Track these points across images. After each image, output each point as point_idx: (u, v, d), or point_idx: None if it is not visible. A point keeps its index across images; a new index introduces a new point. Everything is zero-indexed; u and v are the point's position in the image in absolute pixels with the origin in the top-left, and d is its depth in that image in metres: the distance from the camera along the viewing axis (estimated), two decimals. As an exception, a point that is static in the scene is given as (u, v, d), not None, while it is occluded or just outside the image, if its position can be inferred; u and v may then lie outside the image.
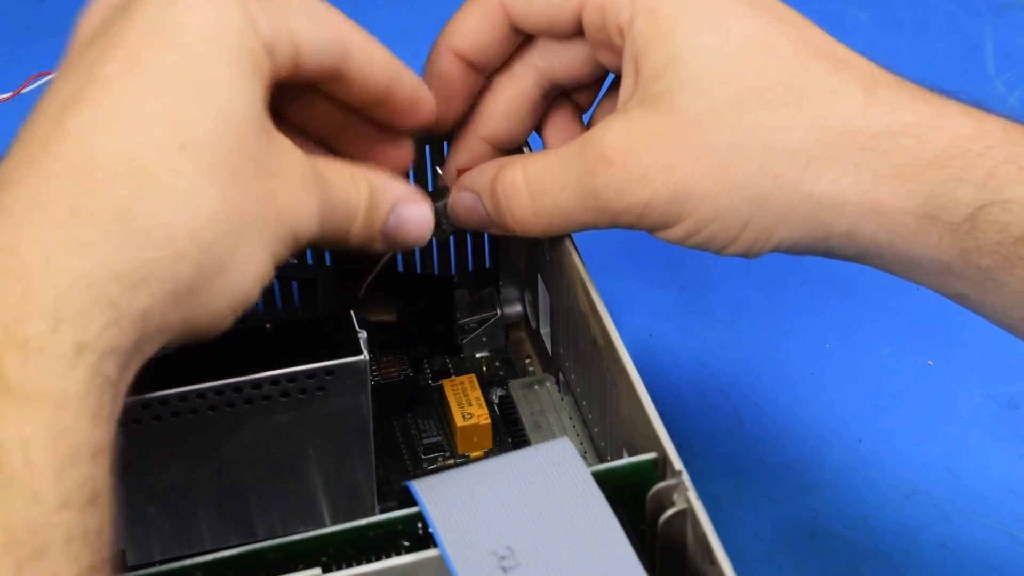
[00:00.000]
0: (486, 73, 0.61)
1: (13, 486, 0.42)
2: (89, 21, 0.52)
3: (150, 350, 0.48)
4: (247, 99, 0.50)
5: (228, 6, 0.50)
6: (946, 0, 0.89)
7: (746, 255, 0.57)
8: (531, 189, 0.58)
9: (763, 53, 0.55)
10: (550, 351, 0.67)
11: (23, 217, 0.45)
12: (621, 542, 0.50)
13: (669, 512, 0.51)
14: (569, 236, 0.61)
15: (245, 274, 0.50)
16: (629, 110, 0.56)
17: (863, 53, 0.88)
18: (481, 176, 0.60)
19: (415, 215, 0.58)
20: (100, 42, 0.49)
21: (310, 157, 0.53)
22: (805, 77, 0.55)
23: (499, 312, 0.68)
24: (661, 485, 0.52)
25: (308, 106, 0.57)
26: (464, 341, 0.68)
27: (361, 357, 0.56)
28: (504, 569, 0.49)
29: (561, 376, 0.66)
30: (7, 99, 0.64)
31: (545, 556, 0.49)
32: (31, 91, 0.64)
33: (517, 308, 0.70)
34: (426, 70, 0.61)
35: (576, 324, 0.62)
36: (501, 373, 0.68)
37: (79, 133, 0.47)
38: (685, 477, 0.52)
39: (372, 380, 0.57)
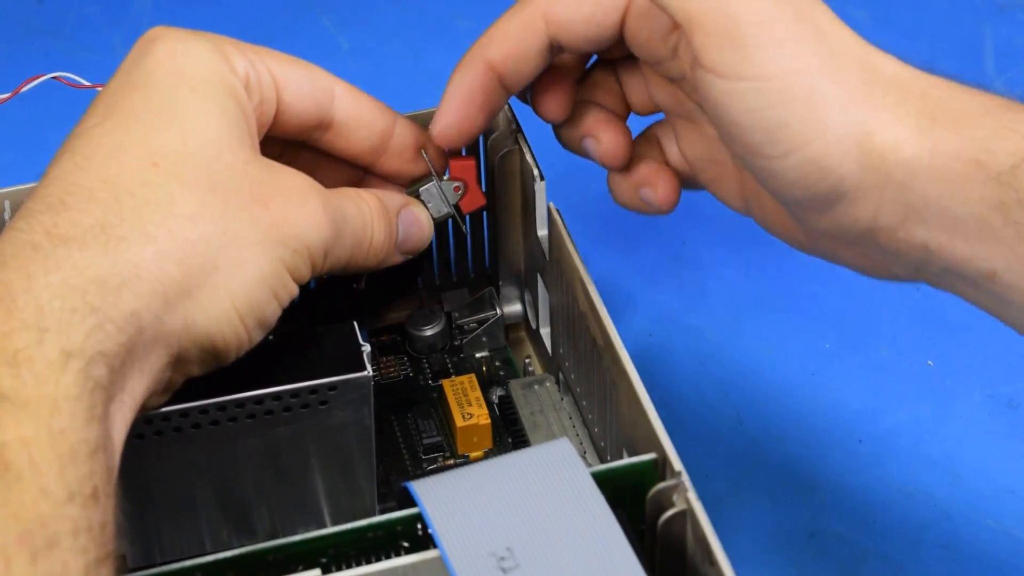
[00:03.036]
0: (512, 92, 0.61)
1: (22, 482, 0.44)
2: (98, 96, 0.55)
3: (155, 358, 0.50)
4: (220, 121, 0.53)
5: (197, 45, 0.55)
6: (946, 0, 0.89)
7: (796, 182, 0.53)
8: None
9: (832, 17, 0.54)
10: (550, 351, 0.67)
11: (6, 253, 0.49)
12: (621, 543, 0.50)
13: (669, 513, 0.51)
14: (569, 236, 0.61)
15: (243, 274, 0.51)
16: None
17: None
18: None
19: (417, 216, 0.60)
20: (91, 105, 0.54)
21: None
22: (869, 51, 0.54)
23: (499, 312, 0.68)
24: (661, 486, 0.52)
25: (309, 164, 0.59)
26: (464, 341, 0.68)
27: (365, 373, 0.56)
28: (504, 570, 0.49)
29: (561, 376, 0.66)
30: (7, 99, 0.64)
31: (545, 557, 0.49)
32: (29, 90, 0.64)
33: (517, 308, 0.70)
34: (452, 78, 0.60)
35: (576, 324, 0.62)
36: (501, 373, 0.68)
37: (58, 176, 0.51)
38: (685, 478, 0.52)
39: (372, 381, 0.57)
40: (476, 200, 0.63)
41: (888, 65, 0.54)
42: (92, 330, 0.47)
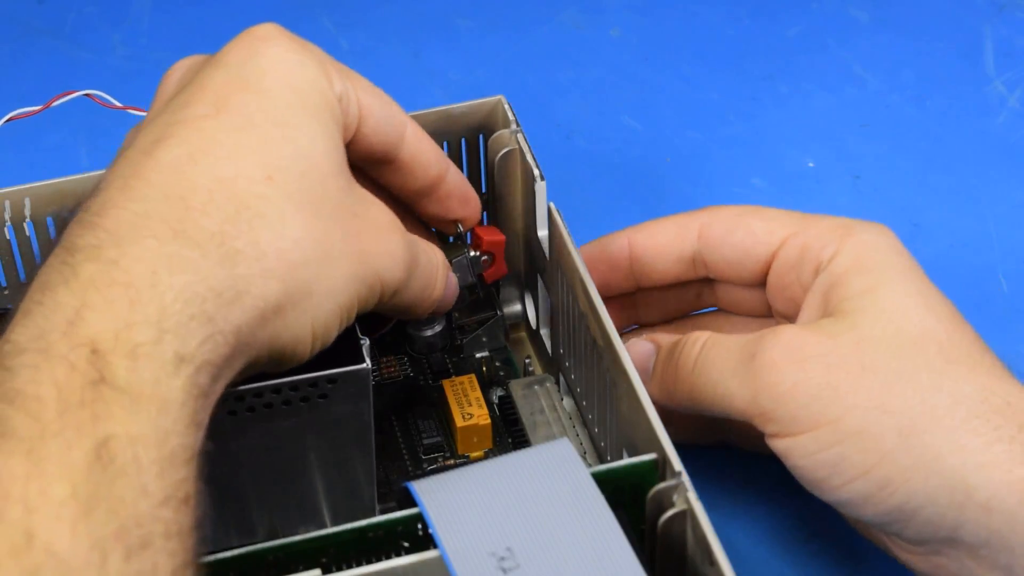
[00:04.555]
0: (641, 284, 0.65)
1: (125, 478, 0.44)
2: (171, 80, 0.56)
3: (239, 367, 0.50)
4: (325, 143, 0.53)
5: (307, 59, 0.54)
6: (946, 0, 0.89)
7: (865, 503, 0.55)
8: (708, 343, 0.59)
9: (953, 323, 0.57)
10: (550, 351, 0.67)
11: (125, 236, 0.48)
12: (621, 543, 0.50)
13: (669, 513, 0.51)
14: (569, 236, 0.61)
15: (328, 301, 0.53)
16: (811, 320, 0.58)
17: (863, 53, 0.88)
18: (666, 339, 0.62)
19: (454, 281, 0.62)
20: (186, 91, 0.53)
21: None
22: (983, 357, 0.56)
23: (499, 312, 0.68)
24: (661, 486, 0.52)
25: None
26: (464, 341, 0.68)
27: (364, 365, 0.56)
28: (504, 570, 0.49)
29: (561, 376, 0.66)
30: (37, 112, 0.64)
31: (545, 557, 0.49)
32: (60, 104, 0.64)
33: (517, 308, 0.70)
34: (597, 245, 0.64)
35: (576, 324, 0.62)
36: (501, 373, 0.68)
37: (171, 164, 0.50)
38: (685, 478, 0.52)
39: (372, 381, 0.57)
40: (499, 271, 0.65)
41: (1008, 389, 0.56)
42: (205, 339, 0.48)
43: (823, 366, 0.55)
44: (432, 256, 0.59)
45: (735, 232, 0.62)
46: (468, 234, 0.64)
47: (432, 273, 0.59)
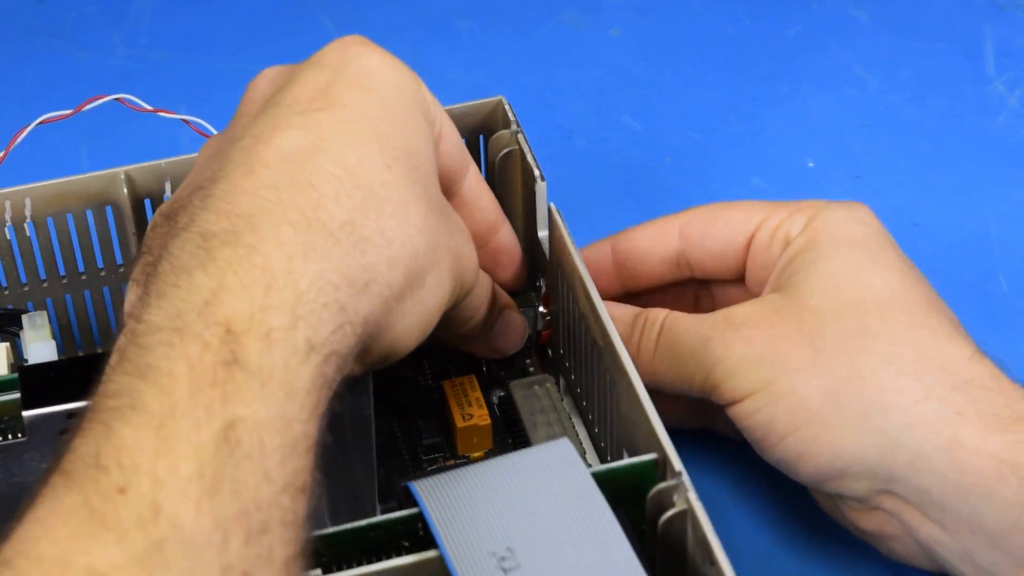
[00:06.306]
0: (629, 289, 0.66)
1: (250, 462, 0.44)
2: (259, 85, 0.56)
3: (362, 359, 0.51)
4: (428, 142, 0.54)
5: (401, 66, 0.55)
6: (946, 0, 0.89)
7: (798, 461, 0.58)
8: (665, 325, 0.62)
9: (901, 283, 0.59)
10: (550, 351, 0.67)
11: (261, 222, 0.48)
12: (621, 543, 0.50)
13: (669, 513, 0.51)
14: (569, 236, 0.61)
15: (435, 294, 0.53)
16: (764, 295, 0.61)
17: (863, 53, 0.88)
18: (626, 310, 0.64)
19: (520, 322, 0.64)
20: (288, 90, 0.53)
21: None
22: (927, 316, 0.58)
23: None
24: (661, 486, 0.52)
25: None
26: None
27: None
28: (504, 570, 0.49)
29: (561, 376, 0.66)
30: (69, 116, 0.65)
31: (545, 557, 0.49)
32: (91, 109, 0.64)
33: (517, 308, 0.70)
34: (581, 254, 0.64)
35: (576, 324, 0.62)
36: (501, 373, 0.68)
37: (295, 152, 0.50)
38: (685, 478, 0.52)
39: (372, 380, 0.57)
40: (548, 334, 0.66)
41: (946, 349, 0.58)
42: (336, 328, 0.48)
43: (767, 337, 0.58)
44: (486, 277, 0.60)
45: (714, 225, 0.64)
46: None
47: (486, 293, 0.60)
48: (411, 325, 0.52)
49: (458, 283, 0.55)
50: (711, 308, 0.65)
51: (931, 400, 0.56)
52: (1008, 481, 0.55)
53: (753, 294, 0.63)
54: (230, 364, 0.45)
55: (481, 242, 0.61)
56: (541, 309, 0.66)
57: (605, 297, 0.65)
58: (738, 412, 0.59)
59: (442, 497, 0.51)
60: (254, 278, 0.47)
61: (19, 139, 0.61)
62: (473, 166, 0.60)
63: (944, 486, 0.56)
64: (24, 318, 0.63)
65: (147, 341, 0.45)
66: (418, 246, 0.51)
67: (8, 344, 0.61)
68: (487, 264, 0.63)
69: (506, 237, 0.63)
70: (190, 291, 0.46)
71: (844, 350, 0.57)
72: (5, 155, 0.62)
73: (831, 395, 0.57)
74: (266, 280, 0.47)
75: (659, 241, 0.65)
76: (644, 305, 0.65)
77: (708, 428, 0.66)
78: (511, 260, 0.64)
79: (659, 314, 0.62)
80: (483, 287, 0.60)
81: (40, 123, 0.61)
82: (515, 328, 0.64)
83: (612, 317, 0.59)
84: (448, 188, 0.59)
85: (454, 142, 0.58)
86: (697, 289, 0.66)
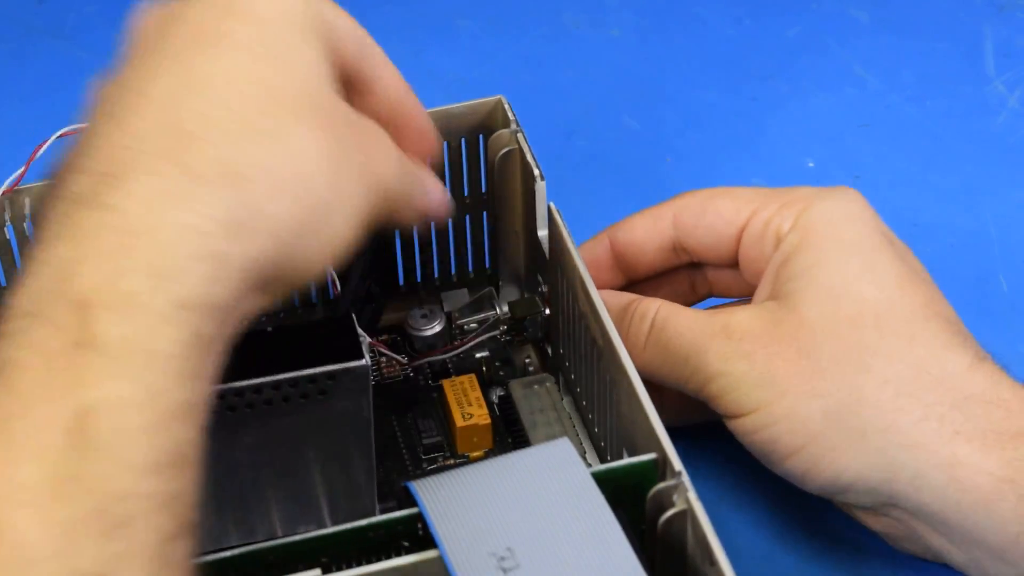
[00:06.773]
0: (628, 277, 0.66)
1: (105, 451, 0.41)
2: (147, 26, 0.52)
3: (258, 301, 0.47)
4: (320, 66, 0.51)
5: None
6: (946, 0, 0.89)
7: (803, 478, 0.59)
8: (657, 321, 0.61)
9: (898, 291, 0.59)
10: (550, 351, 0.67)
11: (123, 176, 0.45)
12: (621, 543, 0.50)
13: (669, 513, 0.51)
14: (569, 236, 0.61)
15: (346, 215, 0.50)
16: (761, 302, 0.60)
17: (863, 53, 0.88)
18: (619, 298, 0.64)
19: (440, 188, 0.58)
20: (166, 30, 0.50)
21: None
22: (925, 325, 0.58)
23: (499, 312, 0.68)
24: (661, 486, 0.52)
25: None
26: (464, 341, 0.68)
27: (363, 362, 0.56)
28: (504, 570, 0.49)
29: (561, 376, 0.66)
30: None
31: (545, 557, 0.49)
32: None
33: (517, 308, 0.70)
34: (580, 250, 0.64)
35: (576, 324, 0.62)
36: (501, 373, 0.68)
37: (165, 96, 0.47)
38: (685, 478, 0.52)
39: (372, 380, 0.57)
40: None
41: (944, 361, 0.58)
42: (212, 280, 0.44)
43: (765, 356, 0.58)
44: (415, 162, 0.56)
45: (705, 215, 0.64)
46: None
47: (416, 178, 0.56)
48: (319, 251, 0.49)
49: (376, 194, 0.51)
50: (707, 292, 0.66)
51: (930, 420, 0.56)
52: (1007, 498, 0.55)
53: (747, 281, 0.63)
54: (81, 345, 0.42)
55: (394, 120, 0.57)
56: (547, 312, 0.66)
57: (606, 288, 0.65)
58: (739, 427, 0.59)
59: (442, 497, 0.51)
60: (111, 242, 0.43)
61: (39, 152, 0.61)
62: (378, 49, 0.56)
63: (945, 504, 0.56)
64: (24, 318, 0.63)
65: (8, 329, 0.43)
66: (305, 170, 0.48)
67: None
68: (411, 142, 0.58)
69: (418, 115, 0.58)
70: (51, 266, 0.43)
71: (842, 369, 0.57)
72: (26, 169, 0.61)
73: (831, 416, 0.57)
74: (124, 242, 0.43)
75: (655, 230, 0.65)
76: (642, 292, 0.65)
77: (705, 421, 0.66)
78: (431, 137, 0.59)
79: (650, 307, 0.62)
80: (411, 182, 0.55)
81: (59, 136, 0.60)
82: (438, 193, 0.58)
83: (604, 304, 0.59)
84: (352, 88, 0.55)
85: (355, 36, 0.54)
86: (693, 274, 0.67)
